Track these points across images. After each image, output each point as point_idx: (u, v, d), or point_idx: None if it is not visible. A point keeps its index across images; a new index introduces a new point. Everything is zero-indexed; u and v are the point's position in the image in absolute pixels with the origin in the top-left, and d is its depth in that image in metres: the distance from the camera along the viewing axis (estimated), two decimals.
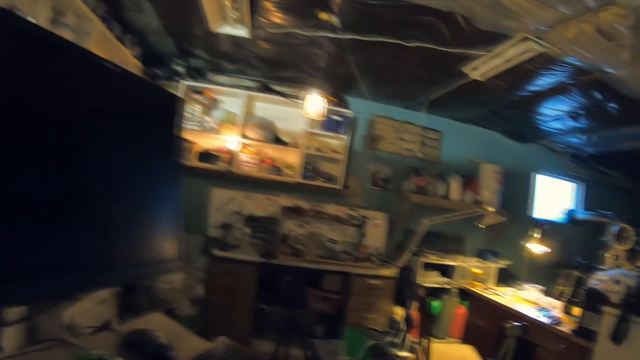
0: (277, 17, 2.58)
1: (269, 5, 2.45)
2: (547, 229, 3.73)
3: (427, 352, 2.76)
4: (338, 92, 3.99)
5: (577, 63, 2.54)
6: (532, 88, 3.06)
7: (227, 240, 3.56)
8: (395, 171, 4.22)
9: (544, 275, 4.13)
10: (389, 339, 3.02)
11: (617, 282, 2.68)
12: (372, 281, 3.53)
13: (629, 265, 3.05)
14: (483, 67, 2.78)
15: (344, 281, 3.54)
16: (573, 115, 3.46)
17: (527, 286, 3.88)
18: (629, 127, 3.41)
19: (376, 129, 4.23)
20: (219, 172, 3.70)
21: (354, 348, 2.93)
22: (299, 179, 3.81)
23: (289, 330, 2.81)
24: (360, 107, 4.15)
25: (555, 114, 3.54)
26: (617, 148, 4.00)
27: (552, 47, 2.38)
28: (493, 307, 3.48)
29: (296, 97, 3.73)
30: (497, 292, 3.76)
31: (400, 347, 2.95)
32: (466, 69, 2.88)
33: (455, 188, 4.13)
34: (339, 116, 3.93)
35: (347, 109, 4.00)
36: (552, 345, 2.86)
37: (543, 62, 2.60)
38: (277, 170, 3.83)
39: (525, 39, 2.33)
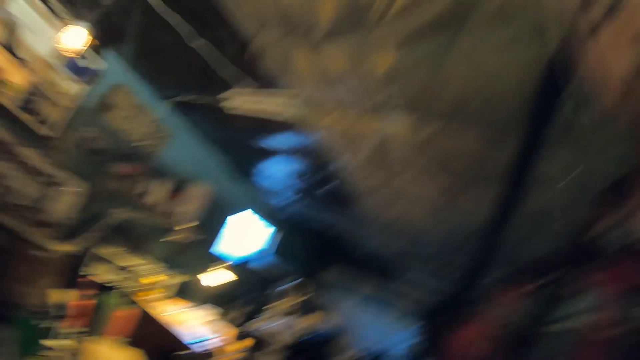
0: None
1: None
2: (231, 263, 4.06)
3: (77, 348, 2.55)
4: (104, 37, 3.48)
5: (318, 144, 3.02)
6: (271, 142, 3.43)
7: None
8: (112, 147, 3.86)
9: (222, 301, 4.40)
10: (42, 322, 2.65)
11: (284, 329, 3.17)
12: (42, 253, 3.06)
13: (298, 316, 3.65)
14: (242, 103, 2.96)
15: (10, 242, 2.94)
16: (293, 178, 4.04)
17: (203, 307, 4.05)
18: (332, 208, 4.20)
19: (117, 97, 3.83)
20: None
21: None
22: (13, 105, 3.05)
23: None
24: (115, 67, 3.72)
25: (278, 170, 4.06)
26: (318, 218, 4.83)
27: (306, 121, 2.77)
28: (158, 322, 3.53)
29: (62, 18, 3.06)
30: (170, 305, 3.84)
31: (51, 335, 2.64)
32: (227, 94, 3.00)
33: (162, 191, 4.07)
34: (89, 63, 3.42)
35: (101, 60, 3.52)
36: None
37: (291, 127, 2.97)
38: None
39: (289, 101, 2.64)
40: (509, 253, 2.73)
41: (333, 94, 2.50)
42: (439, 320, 3.99)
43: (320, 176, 3.71)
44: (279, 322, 3.40)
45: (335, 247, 6.13)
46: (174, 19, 2.55)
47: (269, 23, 2.24)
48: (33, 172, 3.30)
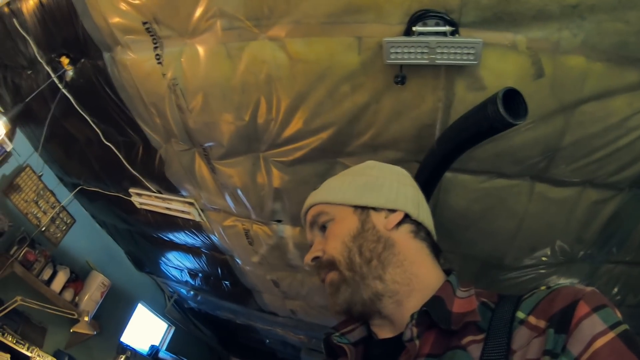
0: None
1: None
2: (129, 356, 3.92)
3: None
4: (17, 118, 3.52)
5: (218, 243, 3.17)
6: (173, 237, 3.52)
7: None
8: (13, 230, 3.73)
9: None
10: None
11: None
12: None
13: None
14: (146, 199, 3.09)
15: None
16: (193, 274, 4.08)
17: None
18: (231, 303, 4.23)
19: (21, 178, 3.79)
20: None
21: None
22: None
23: None
24: (24, 149, 3.71)
25: (178, 265, 4.08)
26: (216, 313, 4.81)
27: (206, 223, 2.94)
28: None
29: None
30: None
31: None
32: (133, 190, 3.12)
33: (60, 279, 3.90)
34: None
35: (10, 141, 3.50)
36: None
37: (193, 226, 3.12)
38: None
39: (192, 204, 2.82)
40: None
41: (228, 204, 2.72)
42: None
43: (218, 273, 3.80)
44: None
45: (234, 341, 6.03)
46: (84, 121, 2.70)
47: (171, 138, 2.46)
48: None
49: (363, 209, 0.92)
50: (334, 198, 0.96)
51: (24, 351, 3.46)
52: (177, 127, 2.32)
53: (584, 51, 1.55)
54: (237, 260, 3.38)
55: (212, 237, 3.20)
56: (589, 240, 2.22)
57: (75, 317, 3.51)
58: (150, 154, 2.71)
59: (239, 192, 2.57)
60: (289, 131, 2.11)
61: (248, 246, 3.04)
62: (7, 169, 3.69)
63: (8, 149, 3.49)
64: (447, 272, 0.88)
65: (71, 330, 3.69)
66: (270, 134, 2.17)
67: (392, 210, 0.92)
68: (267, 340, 5.38)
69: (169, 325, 5.58)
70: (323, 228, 0.96)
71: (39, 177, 3.91)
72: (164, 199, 2.93)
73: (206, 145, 2.37)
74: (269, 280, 3.48)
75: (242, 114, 2.08)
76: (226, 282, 3.86)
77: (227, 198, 2.70)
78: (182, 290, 4.86)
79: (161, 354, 4.96)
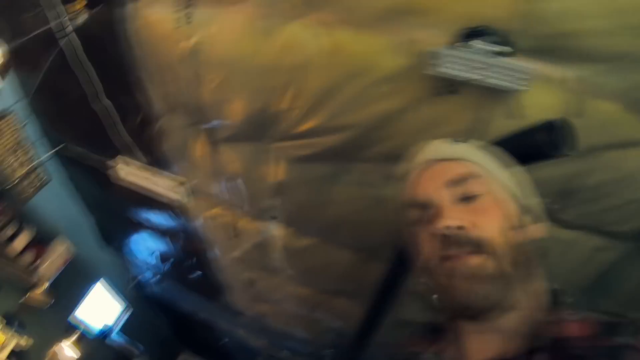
0: None
1: None
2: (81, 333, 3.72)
3: None
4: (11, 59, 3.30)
5: (198, 231, 3.01)
6: (152, 217, 3.34)
7: None
8: None
9: None
10: None
11: None
12: None
13: None
14: (134, 169, 2.90)
15: None
16: (163, 258, 3.89)
17: None
18: (197, 296, 4.04)
19: (4, 122, 3.53)
20: None
21: None
22: None
23: None
24: (12, 94, 3.48)
25: (150, 246, 3.90)
26: (178, 304, 4.59)
27: (192, 207, 2.78)
28: None
29: None
30: None
31: None
32: (120, 158, 2.94)
33: (22, 239, 3.63)
34: None
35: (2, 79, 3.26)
36: None
37: (176, 209, 2.95)
38: None
39: (182, 184, 2.65)
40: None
41: (221, 191, 2.56)
42: None
43: (189, 262, 3.62)
44: None
45: (191, 335, 5.80)
46: (84, 74, 2.53)
47: (177, 109, 2.31)
48: None
49: (523, 204, 0.81)
50: (500, 175, 0.82)
51: None
52: (189, 97, 2.17)
53: (622, 99, 1.54)
54: (216, 251, 3.21)
55: (194, 223, 3.03)
56: (577, 286, 2.18)
57: (34, 282, 3.27)
58: (149, 122, 2.54)
59: (238, 180, 2.42)
60: (308, 124, 1.99)
61: (231, 239, 2.88)
62: None
63: None
64: None
65: (27, 295, 3.44)
66: (288, 123, 2.04)
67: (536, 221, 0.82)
68: (226, 339, 5.18)
69: (126, 307, 5.32)
70: (465, 199, 0.78)
71: (23, 126, 3.67)
72: (152, 173, 2.76)
73: (215, 123, 2.22)
74: (245, 278, 3.32)
75: (263, 97, 1.95)
76: (197, 273, 3.67)
77: (222, 185, 2.55)
78: (147, 273, 4.64)
79: (113, 335, 4.70)
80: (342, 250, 2.51)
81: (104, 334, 4.56)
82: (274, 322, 3.77)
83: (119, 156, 2.95)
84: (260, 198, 2.44)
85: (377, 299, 2.36)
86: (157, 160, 2.72)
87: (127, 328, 5.22)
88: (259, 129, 2.13)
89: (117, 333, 4.83)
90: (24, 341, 3.68)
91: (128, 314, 5.32)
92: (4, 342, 3.56)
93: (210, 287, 3.76)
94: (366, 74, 1.68)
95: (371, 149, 1.97)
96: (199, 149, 2.39)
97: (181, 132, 2.40)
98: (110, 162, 2.95)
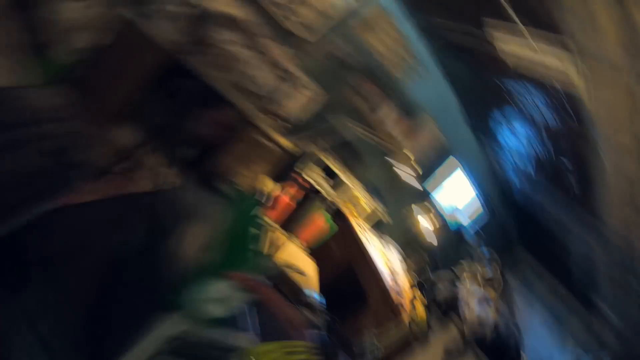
0: None
1: None
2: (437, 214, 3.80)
3: (273, 241, 2.66)
4: None
5: None
6: (531, 105, 2.79)
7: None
8: (359, 62, 3.78)
9: (407, 245, 4.29)
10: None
11: (480, 303, 2.82)
12: (265, 140, 3.24)
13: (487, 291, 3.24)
14: (514, 44, 2.40)
15: (239, 122, 3.21)
16: (537, 159, 3.34)
17: (391, 247, 3.98)
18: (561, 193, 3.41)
19: (379, 19, 3.69)
20: None
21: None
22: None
23: (160, 133, 2.49)
24: None
25: (527, 141, 3.37)
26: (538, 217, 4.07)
27: (582, 86, 2.12)
28: (353, 247, 3.54)
29: None
30: (367, 234, 3.80)
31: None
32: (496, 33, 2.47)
33: (394, 116, 3.87)
34: None
35: None
36: (384, 316, 3.05)
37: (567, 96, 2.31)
38: None
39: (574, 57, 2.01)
40: None
41: (627, 56, 1.77)
42: None
43: (567, 163, 2.96)
44: (474, 299, 3.08)
45: (539, 247, 5.22)
46: None
47: None
48: (275, 66, 3.46)
49: None
50: None
51: (339, 173, 3.71)
52: None
53: None
54: (604, 144, 2.43)
55: (583, 110, 2.32)
56: None
57: (402, 154, 3.39)
58: None
59: None
60: None
61: (627, 119, 2.06)
62: (367, 6, 3.63)
63: None
64: None
65: (392, 165, 3.64)
66: None
67: None
68: (577, 260, 4.37)
69: (482, 206, 5.17)
70: None
71: (396, 20, 3.73)
72: (537, 43, 2.19)
73: None
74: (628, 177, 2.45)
75: None
76: (571, 177, 2.99)
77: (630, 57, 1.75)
78: (513, 172, 4.25)
79: (465, 230, 4.68)
80: None
81: (458, 228, 4.58)
82: None
83: (489, 25, 2.53)
84: None
85: None
86: (542, 24, 2.15)
87: (478, 226, 5.13)
88: None
89: (467, 228, 4.78)
90: (381, 215, 4.12)
91: (481, 212, 5.18)
92: (370, 206, 4.05)
93: (582, 197, 3.07)
94: None
95: None
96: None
97: None
98: (494, 37, 2.57)
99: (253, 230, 2.35)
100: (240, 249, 2.18)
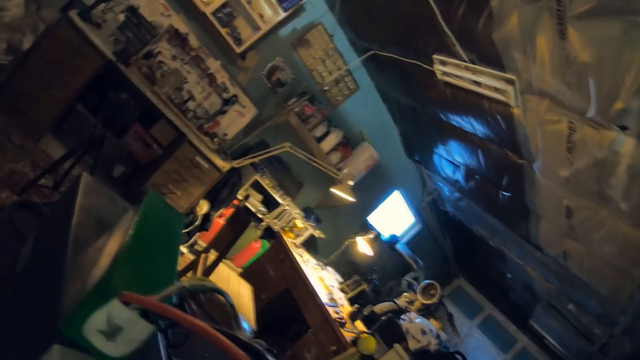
0: None
1: None
2: (373, 237, 3.87)
3: (206, 264, 2.56)
4: None
5: (521, 141, 2.49)
6: (466, 123, 2.94)
7: (91, 14, 2.76)
8: (295, 83, 3.80)
9: (340, 268, 4.37)
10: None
11: (424, 333, 2.87)
12: (200, 159, 3.16)
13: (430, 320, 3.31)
14: (452, 69, 2.54)
15: (174, 140, 3.12)
16: (468, 174, 3.52)
17: (329, 268, 3.99)
18: (495, 220, 3.62)
19: (312, 35, 3.74)
20: None
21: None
22: (210, 10, 3.16)
23: (88, 146, 2.37)
24: (319, 5, 3.64)
25: (456, 159, 3.56)
26: (470, 226, 4.28)
27: (520, 111, 2.28)
28: (289, 268, 3.54)
29: None
30: (304, 257, 3.83)
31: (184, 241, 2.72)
32: (437, 56, 2.61)
33: (331, 140, 3.93)
34: None
35: None
36: (324, 338, 3.04)
37: (499, 113, 2.47)
38: None
39: (511, 82, 2.16)
40: None
41: (560, 90, 1.94)
42: None
43: (499, 180, 3.14)
44: (423, 323, 3.13)
45: (468, 262, 5.53)
46: None
47: None
48: (216, 85, 3.41)
49: None
50: None
51: (276, 197, 3.68)
52: None
53: None
54: (536, 168, 2.62)
55: (519, 131, 2.47)
56: None
57: (338, 178, 3.44)
58: (478, 9, 2.08)
59: (589, 72, 1.76)
60: None
61: (564, 153, 2.22)
62: (299, 22, 3.68)
63: (303, 0, 3.41)
64: None
65: (330, 190, 3.66)
66: None
67: None
68: (509, 275, 4.65)
69: (417, 222, 5.40)
70: None
71: (330, 37, 3.81)
72: (474, 71, 2.33)
73: None
74: (563, 205, 2.66)
75: None
76: (505, 194, 3.17)
77: (562, 82, 1.92)
78: (446, 189, 4.45)
79: (398, 246, 4.85)
80: None
81: (391, 242, 4.71)
82: (576, 266, 3.03)
83: (435, 55, 2.66)
84: (614, 97, 1.73)
85: None
86: (481, 55, 2.28)
87: (412, 242, 5.33)
88: None
89: (402, 244, 4.95)
90: (317, 233, 4.15)
91: (417, 228, 5.40)
92: (307, 230, 4.07)
93: (515, 212, 3.26)
94: None
95: None
96: (542, 33, 1.81)
97: (522, 12, 1.86)
98: (427, 62, 2.69)
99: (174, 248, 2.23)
100: (156, 267, 2.05)
